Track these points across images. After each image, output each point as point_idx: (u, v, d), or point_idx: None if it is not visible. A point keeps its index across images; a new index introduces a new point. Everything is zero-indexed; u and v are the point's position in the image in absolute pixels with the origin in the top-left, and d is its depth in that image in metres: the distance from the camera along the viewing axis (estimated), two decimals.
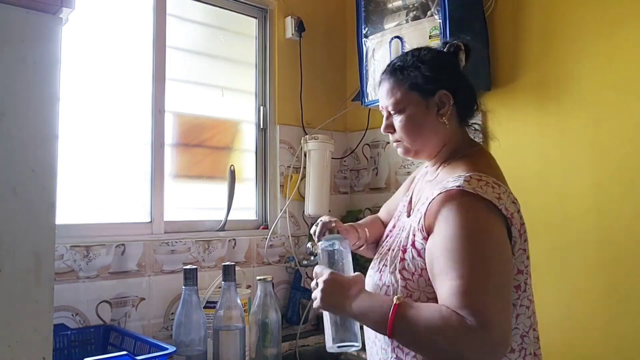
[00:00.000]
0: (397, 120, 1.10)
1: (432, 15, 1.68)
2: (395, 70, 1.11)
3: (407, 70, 1.09)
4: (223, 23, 2.04)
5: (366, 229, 1.30)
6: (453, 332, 0.85)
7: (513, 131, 1.72)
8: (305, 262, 1.98)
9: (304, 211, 2.06)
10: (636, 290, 1.43)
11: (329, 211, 2.07)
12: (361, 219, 2.10)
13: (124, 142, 1.73)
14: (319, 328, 2.05)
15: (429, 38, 1.66)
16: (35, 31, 1.02)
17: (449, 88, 1.07)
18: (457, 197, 0.93)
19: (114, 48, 1.73)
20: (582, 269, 1.54)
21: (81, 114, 1.64)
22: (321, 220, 1.23)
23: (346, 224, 1.30)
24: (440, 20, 1.64)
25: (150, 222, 1.74)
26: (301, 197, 2.08)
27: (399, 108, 1.10)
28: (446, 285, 0.89)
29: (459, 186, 0.94)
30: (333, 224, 1.24)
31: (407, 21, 1.76)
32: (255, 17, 2.12)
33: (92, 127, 1.66)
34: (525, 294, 0.99)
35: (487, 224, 0.92)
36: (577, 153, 1.57)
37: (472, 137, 1.15)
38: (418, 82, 1.08)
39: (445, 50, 1.13)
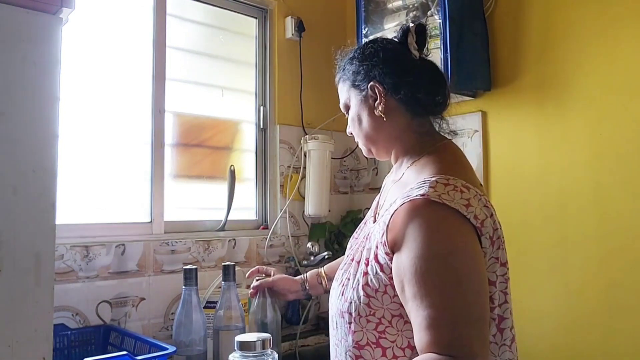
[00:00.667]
0: (349, 121, 1.08)
1: (432, 15, 1.68)
2: (339, 70, 1.09)
3: (345, 67, 1.07)
4: (223, 23, 2.04)
5: (325, 274, 1.34)
6: None
7: (513, 131, 1.73)
8: (306, 262, 1.98)
9: (304, 211, 2.06)
10: (636, 288, 1.43)
11: (329, 211, 2.07)
12: (361, 218, 2.11)
13: (124, 142, 1.73)
14: (319, 328, 2.06)
15: (429, 38, 1.66)
16: (36, 31, 1.02)
17: (380, 79, 0.99)
18: (422, 209, 0.84)
19: (114, 48, 1.73)
20: (582, 268, 1.54)
21: (81, 114, 1.64)
22: (256, 279, 1.32)
23: (302, 275, 1.37)
24: (440, 21, 1.64)
25: (150, 222, 1.74)
26: (301, 197, 2.08)
27: (346, 108, 1.08)
28: (420, 315, 0.81)
29: (423, 195, 0.85)
30: (270, 281, 1.32)
31: (407, 21, 1.76)
32: (255, 17, 2.12)
33: (92, 127, 1.66)
34: (493, 306, 0.89)
35: (458, 239, 0.84)
36: (577, 152, 1.57)
37: (444, 131, 1.05)
38: (350, 78, 1.04)
39: (394, 37, 1.06)
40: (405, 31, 1.02)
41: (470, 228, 0.85)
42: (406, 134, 1.02)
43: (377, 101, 1.00)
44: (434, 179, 0.88)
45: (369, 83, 1.01)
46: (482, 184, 1.34)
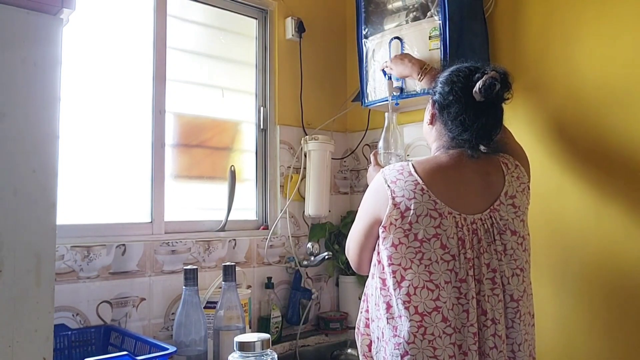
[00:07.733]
0: None
1: (432, 16, 1.68)
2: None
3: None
4: (223, 24, 2.05)
5: None
6: None
7: (512, 130, 1.72)
8: (306, 263, 1.99)
9: (304, 211, 2.07)
10: (636, 293, 1.43)
11: (329, 211, 2.08)
12: None
13: (124, 143, 1.73)
14: (319, 328, 2.06)
15: (429, 39, 1.66)
16: (36, 32, 1.02)
17: (436, 98, 1.29)
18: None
19: (115, 49, 1.73)
20: (582, 273, 1.54)
21: (82, 114, 1.64)
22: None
23: None
24: (440, 21, 1.64)
25: (151, 222, 1.74)
26: (301, 198, 2.08)
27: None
28: None
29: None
30: None
31: (407, 22, 1.76)
32: (256, 18, 2.12)
33: (93, 128, 1.67)
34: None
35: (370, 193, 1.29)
36: (577, 153, 1.57)
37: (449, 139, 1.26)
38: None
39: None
40: (480, 75, 1.18)
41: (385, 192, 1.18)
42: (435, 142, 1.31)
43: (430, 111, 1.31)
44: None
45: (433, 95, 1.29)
46: None
